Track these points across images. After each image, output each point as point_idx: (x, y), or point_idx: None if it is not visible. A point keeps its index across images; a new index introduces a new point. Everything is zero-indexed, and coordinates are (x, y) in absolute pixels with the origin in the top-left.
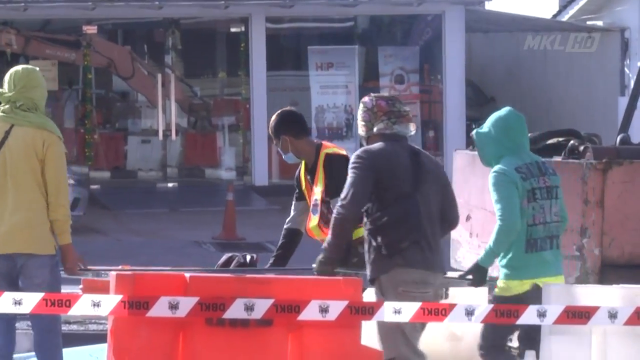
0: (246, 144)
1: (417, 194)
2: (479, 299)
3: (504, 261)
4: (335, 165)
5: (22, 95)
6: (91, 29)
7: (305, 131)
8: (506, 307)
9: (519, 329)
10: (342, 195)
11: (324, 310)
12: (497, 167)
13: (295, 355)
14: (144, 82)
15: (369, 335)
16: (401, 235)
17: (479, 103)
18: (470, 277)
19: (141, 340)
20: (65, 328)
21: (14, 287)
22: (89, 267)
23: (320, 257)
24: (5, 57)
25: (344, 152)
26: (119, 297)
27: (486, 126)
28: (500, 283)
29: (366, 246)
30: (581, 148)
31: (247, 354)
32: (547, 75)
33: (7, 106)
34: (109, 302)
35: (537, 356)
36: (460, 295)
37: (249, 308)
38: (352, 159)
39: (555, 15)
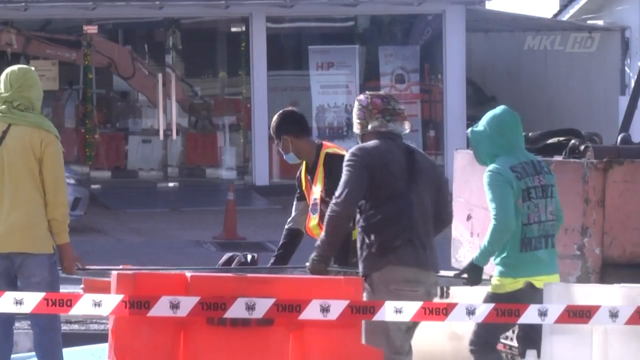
0: (247, 143)
1: (411, 192)
2: (480, 298)
3: (499, 259)
4: (335, 165)
5: (19, 95)
6: (92, 29)
7: (306, 131)
8: (507, 307)
9: (518, 329)
10: (337, 193)
11: (325, 309)
12: (492, 167)
13: (296, 354)
14: (145, 81)
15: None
16: (394, 234)
17: (479, 102)
18: (465, 276)
19: (142, 340)
20: (66, 328)
21: (13, 286)
22: (87, 267)
23: (313, 255)
24: (6, 56)
25: (344, 152)
26: (120, 297)
27: (481, 125)
28: (494, 280)
29: (359, 243)
30: (582, 147)
31: (248, 354)
32: (547, 74)
33: (3, 106)
34: (110, 301)
35: (538, 355)
36: (461, 295)
37: (250, 307)
38: (347, 156)
39: (555, 15)
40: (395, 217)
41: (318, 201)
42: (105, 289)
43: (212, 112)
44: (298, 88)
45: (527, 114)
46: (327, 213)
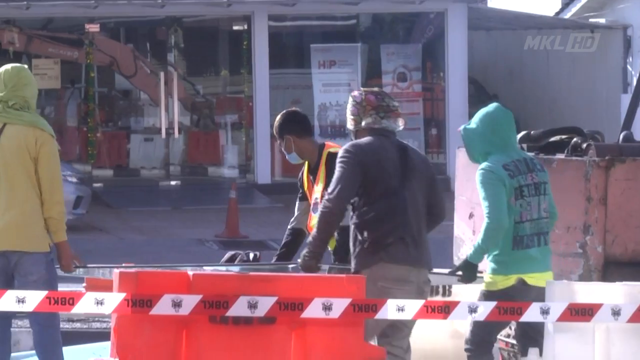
0: (249, 142)
1: (405, 189)
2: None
3: (491, 257)
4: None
5: (14, 94)
6: (93, 28)
7: (309, 131)
8: (509, 305)
9: (517, 328)
10: (329, 189)
11: (327, 307)
12: (484, 165)
13: (299, 352)
14: (147, 80)
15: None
16: (387, 231)
17: (481, 101)
18: (460, 273)
19: (144, 338)
20: (68, 326)
21: (10, 285)
22: (85, 265)
23: (305, 251)
24: (8, 55)
25: None
26: (122, 295)
27: (474, 122)
28: (486, 278)
29: (352, 240)
30: (584, 145)
31: (250, 352)
32: (549, 72)
33: None
34: (112, 300)
35: (541, 353)
36: (463, 293)
37: (253, 306)
38: (340, 153)
39: (557, 13)
40: (389, 215)
41: (319, 200)
42: (107, 287)
43: (214, 110)
44: (300, 86)
45: (529, 112)
46: (320, 209)
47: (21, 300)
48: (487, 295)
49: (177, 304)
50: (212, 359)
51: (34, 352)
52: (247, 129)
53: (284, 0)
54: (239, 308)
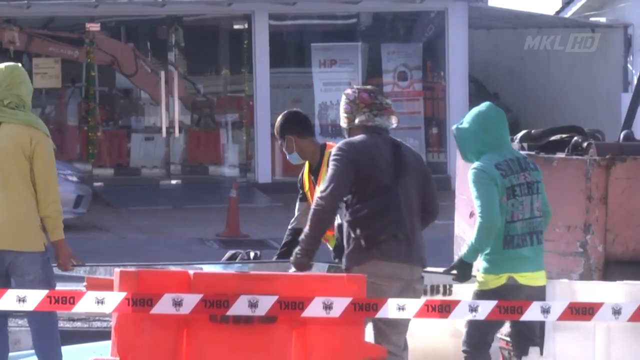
0: (249, 141)
1: (398, 187)
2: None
3: (483, 256)
4: None
5: (9, 92)
6: (94, 27)
7: (310, 131)
8: (510, 304)
9: (511, 328)
10: (322, 187)
11: (327, 306)
12: (476, 164)
13: (300, 351)
14: (147, 79)
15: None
16: (380, 228)
17: (482, 100)
18: (455, 272)
19: (145, 337)
20: (69, 325)
21: (6, 284)
22: (82, 264)
23: (297, 249)
24: (8, 54)
25: None
26: (123, 294)
27: (466, 122)
28: (479, 277)
29: (345, 237)
30: (584, 144)
31: (251, 351)
32: (550, 71)
33: None
34: (113, 299)
35: (541, 352)
36: (464, 292)
37: (253, 305)
38: (334, 151)
39: (558, 12)
40: (382, 212)
41: None
42: (108, 286)
43: (215, 109)
44: (301, 85)
45: (530, 111)
46: (312, 207)
47: (22, 300)
48: (480, 295)
49: (177, 303)
50: (212, 358)
51: (33, 351)
52: (247, 128)
53: None
54: (239, 307)
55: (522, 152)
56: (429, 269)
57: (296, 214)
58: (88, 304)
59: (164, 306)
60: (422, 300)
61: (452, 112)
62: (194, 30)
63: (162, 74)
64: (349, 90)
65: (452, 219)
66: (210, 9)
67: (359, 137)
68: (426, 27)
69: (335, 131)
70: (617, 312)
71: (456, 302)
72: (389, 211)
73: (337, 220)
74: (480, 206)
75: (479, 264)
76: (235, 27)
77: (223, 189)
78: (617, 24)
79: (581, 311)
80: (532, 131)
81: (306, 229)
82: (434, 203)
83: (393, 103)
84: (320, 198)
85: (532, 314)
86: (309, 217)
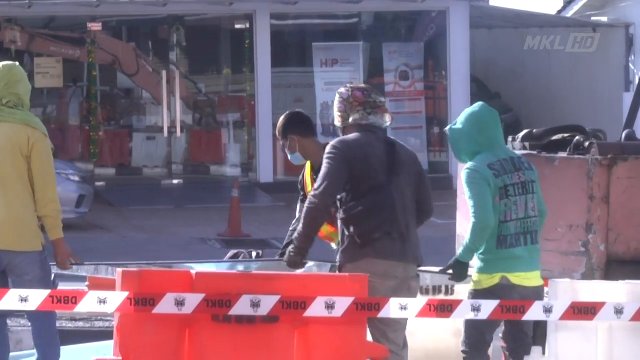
0: (251, 140)
1: (392, 185)
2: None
3: (477, 256)
4: None
5: (7, 92)
6: (96, 26)
7: (313, 131)
8: (512, 303)
9: (504, 330)
10: (316, 185)
11: (330, 306)
12: (469, 164)
13: (302, 351)
14: (149, 79)
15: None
16: (374, 226)
17: (483, 99)
18: (450, 272)
19: (147, 337)
20: (71, 325)
21: (4, 283)
22: (81, 263)
23: (290, 247)
24: (10, 54)
25: None
26: (125, 294)
27: (459, 122)
28: (474, 277)
29: (340, 235)
30: (586, 144)
31: (253, 351)
32: (551, 70)
33: None
34: (115, 299)
35: (544, 352)
36: (467, 292)
37: (255, 304)
38: (328, 149)
39: (559, 12)
40: (376, 210)
41: None
42: (110, 286)
43: (217, 109)
44: (302, 85)
45: (532, 110)
46: (306, 205)
47: (24, 300)
48: (474, 295)
49: (180, 303)
50: (215, 358)
51: (33, 351)
52: (249, 127)
53: None
54: (241, 307)
55: (524, 152)
56: (424, 268)
57: (297, 215)
58: (90, 303)
59: (166, 306)
60: (425, 299)
61: (454, 111)
62: (195, 29)
63: (164, 73)
64: (342, 89)
65: (454, 218)
66: (211, 9)
67: (352, 136)
68: (428, 26)
69: (337, 131)
70: (619, 311)
71: (458, 302)
72: (383, 209)
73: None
74: (474, 206)
75: (475, 264)
76: (237, 26)
77: (225, 188)
78: (618, 23)
79: (583, 311)
80: (534, 131)
81: (299, 227)
82: (429, 202)
83: (395, 103)
84: (314, 196)
85: (534, 313)
86: (302, 215)
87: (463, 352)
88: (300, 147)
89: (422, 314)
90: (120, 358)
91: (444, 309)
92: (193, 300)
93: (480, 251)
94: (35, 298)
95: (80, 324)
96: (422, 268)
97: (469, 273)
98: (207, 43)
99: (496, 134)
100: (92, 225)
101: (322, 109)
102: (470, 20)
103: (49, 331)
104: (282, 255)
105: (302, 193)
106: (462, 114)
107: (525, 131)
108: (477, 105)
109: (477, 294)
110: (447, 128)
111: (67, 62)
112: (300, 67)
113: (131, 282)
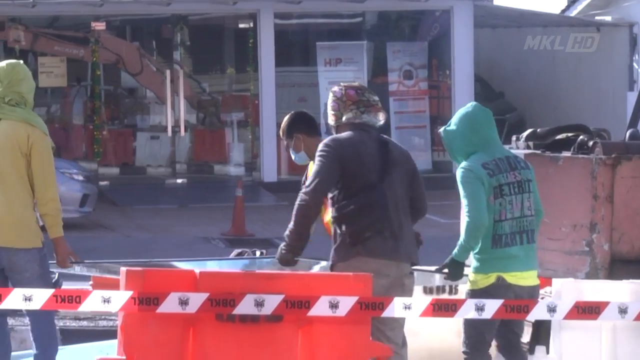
0: (255, 140)
1: (384, 184)
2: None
3: (473, 255)
4: None
5: (10, 90)
6: (99, 26)
7: (317, 131)
8: (516, 302)
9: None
10: (307, 182)
11: (334, 305)
12: (463, 164)
13: (306, 351)
14: (153, 78)
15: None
16: (365, 225)
17: (487, 99)
18: (446, 271)
19: (151, 336)
20: (75, 324)
21: (3, 281)
22: (81, 261)
23: (282, 245)
24: (14, 53)
25: None
26: (129, 293)
27: (453, 123)
28: (470, 276)
29: (332, 234)
30: (590, 143)
31: (257, 350)
32: (555, 70)
33: None
34: (119, 298)
35: (547, 352)
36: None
37: (259, 304)
38: (320, 147)
39: (563, 11)
40: (367, 209)
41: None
42: (114, 285)
43: (220, 108)
44: (306, 84)
45: (535, 110)
46: (296, 202)
47: (28, 299)
48: (471, 295)
49: (183, 302)
50: (218, 357)
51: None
52: (253, 126)
53: None
54: (245, 306)
55: (528, 151)
56: (420, 267)
57: None
58: (94, 303)
59: (170, 305)
60: (428, 299)
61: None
62: (199, 29)
63: (168, 72)
64: (336, 88)
65: (457, 217)
66: (215, 8)
67: (345, 134)
68: (431, 25)
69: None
70: (623, 311)
71: (462, 301)
72: (374, 208)
73: None
74: (468, 205)
75: (471, 263)
76: (241, 26)
77: (228, 187)
78: (622, 22)
79: (587, 310)
80: (538, 130)
81: (290, 224)
82: (422, 199)
83: (398, 102)
84: (305, 193)
85: (538, 313)
86: (293, 212)
87: (464, 352)
88: (305, 146)
89: (426, 313)
90: (124, 357)
91: (448, 309)
92: (197, 300)
93: (476, 251)
94: (39, 297)
95: (84, 323)
96: (416, 267)
97: (465, 272)
98: (210, 42)
99: (490, 134)
100: (95, 225)
101: (326, 109)
102: (474, 19)
103: (48, 326)
104: None
105: None
106: (455, 114)
107: (529, 130)
108: (470, 105)
109: (473, 294)
110: (441, 130)
111: (71, 62)
112: (304, 66)
113: (135, 282)
